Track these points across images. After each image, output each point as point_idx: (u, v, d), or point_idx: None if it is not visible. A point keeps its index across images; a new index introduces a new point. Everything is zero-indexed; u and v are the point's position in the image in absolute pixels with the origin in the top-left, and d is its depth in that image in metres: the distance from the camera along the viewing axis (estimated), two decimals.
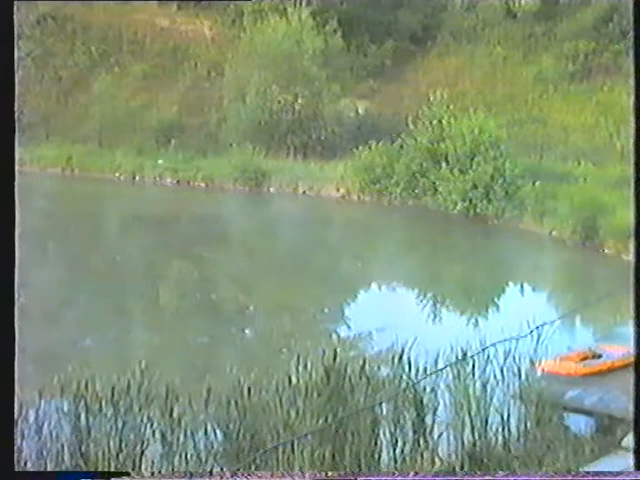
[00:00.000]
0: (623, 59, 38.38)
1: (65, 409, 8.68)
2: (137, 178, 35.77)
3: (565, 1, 41.14)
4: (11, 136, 6.38)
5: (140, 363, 9.27)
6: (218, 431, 9.04)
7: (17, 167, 6.74)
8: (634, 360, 8.36)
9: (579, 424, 10.06)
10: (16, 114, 6.40)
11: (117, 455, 8.34)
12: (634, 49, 8.39)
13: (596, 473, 7.94)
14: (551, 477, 7.72)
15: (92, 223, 27.82)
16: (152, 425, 8.78)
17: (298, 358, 9.64)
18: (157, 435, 8.77)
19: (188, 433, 8.82)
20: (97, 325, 16.51)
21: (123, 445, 8.45)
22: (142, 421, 8.74)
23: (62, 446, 8.42)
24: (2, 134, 6.36)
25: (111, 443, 8.44)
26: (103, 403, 8.66)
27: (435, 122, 30.40)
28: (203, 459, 8.75)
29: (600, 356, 12.37)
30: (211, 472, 8.18)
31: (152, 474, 8.16)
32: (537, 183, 27.60)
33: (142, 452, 8.59)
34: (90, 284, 19.66)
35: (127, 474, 7.96)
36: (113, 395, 8.74)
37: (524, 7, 41.38)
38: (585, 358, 12.24)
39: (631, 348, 12.38)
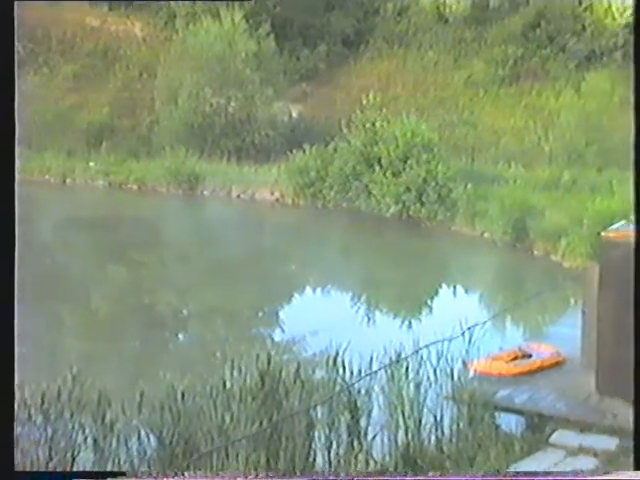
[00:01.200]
0: (550, 64, 39.25)
1: None
2: (68, 181, 35.21)
3: (495, 6, 41.82)
4: (11, 136, 6.24)
5: (71, 369, 9.13)
6: (152, 436, 8.95)
7: None
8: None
9: (510, 423, 10.23)
10: None
11: (47, 464, 8.19)
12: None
13: (526, 473, 8.07)
14: (482, 477, 7.84)
15: (21, 227, 27.26)
16: (84, 432, 8.65)
17: (232, 362, 9.60)
18: (89, 442, 8.64)
19: (121, 439, 8.71)
20: (26, 330, 16.20)
21: (53, 453, 8.31)
22: (73, 428, 8.60)
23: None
24: (2, 134, 6.22)
25: (40, 452, 8.29)
26: (32, 411, 8.50)
27: (368, 125, 30.60)
28: (136, 465, 8.66)
29: (530, 355, 12.58)
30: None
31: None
32: (469, 185, 27.97)
33: (73, 459, 8.46)
34: (19, 288, 19.28)
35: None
36: (43, 402, 8.59)
37: (455, 12, 41.94)
38: (515, 358, 12.43)
39: (560, 347, 12.68)
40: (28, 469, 7.99)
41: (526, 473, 8.12)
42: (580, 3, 39.56)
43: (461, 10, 41.72)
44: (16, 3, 6.48)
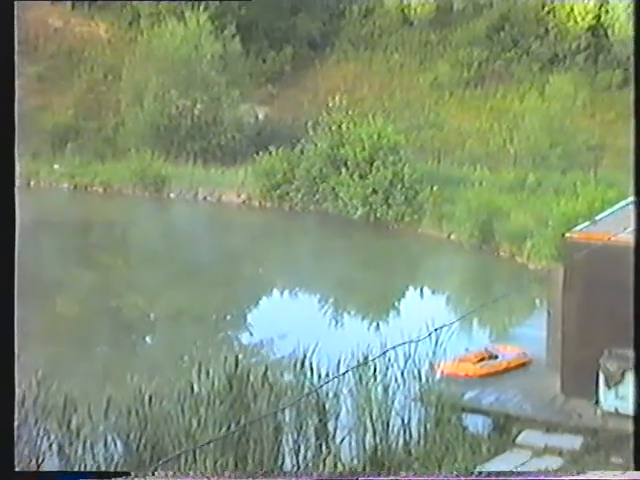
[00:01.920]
0: (515, 67, 39.55)
1: None
2: (32, 183, 34.84)
3: (459, 9, 42.03)
4: (11, 136, 6.12)
5: (36, 373, 9.02)
6: (118, 442, 8.87)
7: None
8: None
9: (477, 424, 10.29)
10: None
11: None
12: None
13: (494, 473, 8.11)
14: (449, 477, 7.86)
15: None
16: (49, 438, 8.54)
17: (200, 366, 9.56)
18: (54, 448, 8.54)
19: (87, 445, 8.62)
20: None
21: (16, 462, 8.18)
22: (38, 434, 8.49)
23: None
24: (2, 133, 6.09)
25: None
26: None
27: (334, 128, 30.62)
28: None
29: (496, 357, 12.67)
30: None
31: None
32: (435, 188, 28.09)
33: (38, 467, 8.35)
34: None
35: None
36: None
37: (420, 15, 42.08)
38: (482, 359, 12.52)
39: (526, 348, 12.78)
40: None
41: (497, 473, 8.16)
42: (543, 7, 39.87)
43: (426, 13, 41.87)
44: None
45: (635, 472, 7.87)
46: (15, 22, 6.24)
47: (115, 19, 42.41)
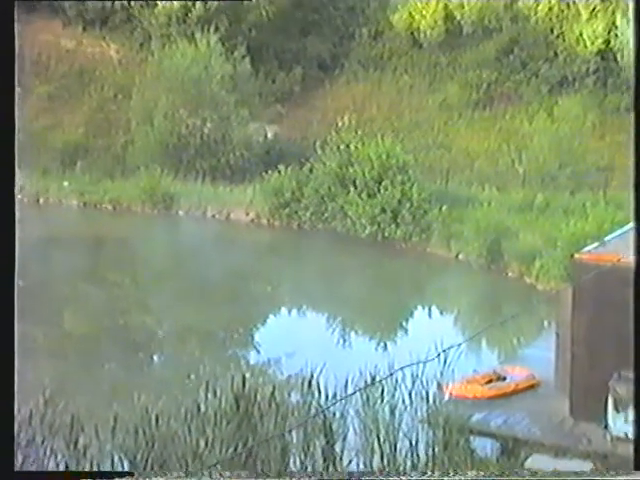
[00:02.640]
0: (524, 88, 39.57)
1: None
2: (41, 200, 34.93)
3: (469, 33, 42.11)
4: (10, 136, 6.08)
5: (44, 392, 8.98)
6: (125, 461, 8.81)
7: None
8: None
9: (485, 447, 10.19)
10: None
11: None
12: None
13: None
14: None
15: None
16: (56, 458, 8.49)
17: (207, 385, 9.51)
18: (61, 468, 8.48)
19: (94, 465, 8.56)
20: None
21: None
22: (45, 454, 8.44)
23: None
24: (2, 133, 6.04)
25: None
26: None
27: (343, 147, 30.64)
28: None
29: (504, 378, 12.58)
30: None
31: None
32: (443, 207, 28.04)
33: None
34: None
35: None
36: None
37: (430, 38, 42.19)
38: (490, 381, 12.43)
39: (534, 370, 12.68)
40: None
41: None
42: (552, 31, 39.99)
43: (435, 36, 41.96)
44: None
45: (635, 472, 7.78)
46: (16, 37, 6.21)
47: (126, 40, 42.65)
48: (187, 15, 40.51)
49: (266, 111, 39.36)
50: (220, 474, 7.94)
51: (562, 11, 39.98)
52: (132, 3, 42.01)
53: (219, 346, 18.60)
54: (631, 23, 31.01)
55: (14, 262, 5.81)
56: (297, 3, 44.50)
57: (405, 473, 8.77)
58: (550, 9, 40.06)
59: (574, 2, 39.63)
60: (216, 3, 40.33)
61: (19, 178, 35.16)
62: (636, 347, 8.66)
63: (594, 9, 39.01)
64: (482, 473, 8.86)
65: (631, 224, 12.95)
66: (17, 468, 7.93)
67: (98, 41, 43.01)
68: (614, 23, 37.97)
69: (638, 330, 8.64)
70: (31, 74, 40.92)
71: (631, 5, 29.94)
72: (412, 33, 42.77)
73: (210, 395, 9.41)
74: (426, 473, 8.56)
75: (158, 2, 41.08)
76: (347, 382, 10.10)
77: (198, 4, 40.29)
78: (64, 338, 18.71)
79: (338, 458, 9.23)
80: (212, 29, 37.32)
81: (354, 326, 20.99)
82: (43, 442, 8.41)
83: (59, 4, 42.63)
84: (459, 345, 11.15)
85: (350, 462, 9.28)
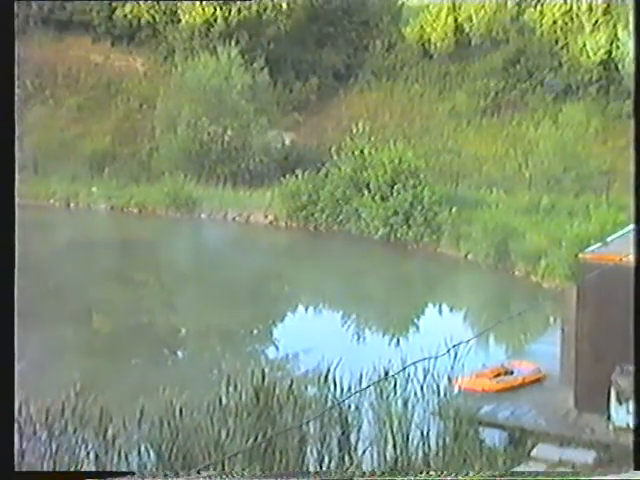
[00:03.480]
0: (529, 97, 39.46)
1: None
2: (71, 205, 35.15)
3: (477, 44, 42.06)
4: (11, 138, 6.10)
5: (75, 385, 9.05)
6: (151, 451, 8.86)
7: None
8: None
9: (493, 437, 10.17)
10: None
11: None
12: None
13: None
14: None
15: (26, 248, 27.17)
16: (87, 447, 8.56)
17: (228, 379, 9.55)
18: (91, 456, 8.55)
19: (122, 454, 8.62)
20: (32, 348, 16.10)
21: (57, 467, 8.21)
22: (76, 443, 8.51)
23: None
24: (2, 133, 6.05)
25: (45, 465, 8.19)
26: (37, 426, 8.40)
27: (357, 153, 30.67)
28: None
29: (512, 372, 12.56)
30: None
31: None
32: (453, 209, 28.00)
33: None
34: (24, 307, 19.16)
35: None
36: (47, 418, 8.50)
37: (439, 49, 42.19)
38: (498, 374, 12.41)
39: (540, 364, 12.65)
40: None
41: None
42: (557, 42, 39.94)
43: (445, 47, 41.94)
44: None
45: (635, 472, 7.75)
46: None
47: (151, 54, 42.93)
48: (209, 30, 40.68)
49: (284, 119, 39.44)
50: (230, 472, 7.99)
51: (566, 23, 39.96)
52: (157, 18, 42.23)
53: (240, 342, 18.64)
54: (631, 27, 30.86)
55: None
56: (313, 17, 44.57)
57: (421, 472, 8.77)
58: (555, 22, 40.04)
59: (577, 15, 39.58)
60: (237, 19, 40.50)
61: (51, 184, 35.50)
62: (636, 343, 8.64)
63: (597, 22, 38.99)
64: (489, 472, 8.86)
65: (631, 225, 12.92)
66: (51, 456, 8.02)
67: (125, 55, 43.29)
68: (616, 35, 37.95)
69: (638, 326, 8.61)
70: (62, 87, 41.23)
71: (631, 14, 29.81)
72: (423, 45, 42.79)
73: (231, 389, 9.45)
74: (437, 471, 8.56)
75: (182, 18, 41.27)
76: (361, 376, 10.12)
77: (220, 20, 40.46)
78: (93, 336, 18.82)
79: (353, 448, 9.25)
80: (233, 42, 37.47)
81: (368, 323, 20.99)
82: (75, 432, 8.48)
83: (89, 22, 42.98)
84: (468, 341, 11.13)
85: (364, 452, 9.30)
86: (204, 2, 40.54)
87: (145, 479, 7.86)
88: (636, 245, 8.80)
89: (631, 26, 37.02)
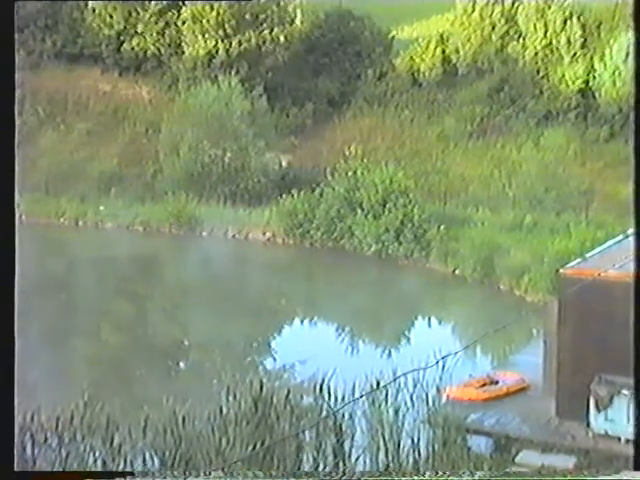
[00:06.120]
0: (513, 122, 39.68)
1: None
2: (80, 223, 35.16)
3: (463, 73, 42.38)
4: (10, 137, 6.06)
5: (83, 395, 9.03)
6: (155, 458, 8.83)
7: None
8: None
9: (480, 444, 10.16)
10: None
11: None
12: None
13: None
14: None
15: (38, 264, 27.14)
16: (94, 454, 8.52)
17: (228, 389, 9.53)
18: (99, 463, 8.51)
19: (128, 461, 8.58)
20: (42, 359, 16.04)
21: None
22: (85, 450, 8.47)
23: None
24: (2, 132, 5.99)
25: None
26: (48, 434, 8.37)
27: (351, 174, 30.73)
28: None
29: (497, 382, 12.56)
30: None
31: (153, 474, 7.89)
32: (442, 227, 28.05)
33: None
34: (35, 320, 19.12)
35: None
36: (57, 426, 8.47)
37: (428, 78, 42.49)
38: (484, 384, 12.41)
39: (524, 375, 12.66)
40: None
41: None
42: (538, 72, 40.45)
43: (434, 76, 42.20)
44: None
45: (635, 472, 7.71)
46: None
47: (157, 83, 43.15)
48: (211, 60, 40.88)
49: (281, 142, 39.53)
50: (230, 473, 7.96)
51: (547, 55, 40.60)
52: (162, 50, 42.49)
53: (239, 354, 18.60)
54: (632, 26, 30.90)
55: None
56: (309, 48, 44.88)
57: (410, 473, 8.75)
58: (536, 54, 40.67)
59: (557, 48, 40.29)
60: (237, 50, 40.75)
61: (62, 204, 35.52)
62: (636, 356, 8.58)
63: (575, 54, 39.86)
64: (478, 473, 8.85)
65: (610, 242, 12.96)
66: (61, 462, 7.99)
67: (132, 84, 43.46)
68: (592, 66, 38.76)
69: (638, 340, 8.54)
70: (73, 113, 41.33)
71: (631, 13, 29.75)
72: (412, 74, 43.09)
73: (231, 398, 9.43)
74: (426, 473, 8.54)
75: (186, 50, 41.48)
76: (355, 386, 10.11)
77: (221, 51, 40.71)
78: (101, 347, 18.76)
79: (347, 455, 9.22)
80: (233, 72, 37.66)
81: (361, 335, 20.96)
82: (83, 439, 8.45)
83: (99, 54, 43.29)
84: (456, 353, 11.15)
85: (358, 458, 9.27)
86: (206, 35, 40.85)
87: (147, 479, 7.82)
88: (636, 254, 8.77)
89: (607, 58, 37.60)
